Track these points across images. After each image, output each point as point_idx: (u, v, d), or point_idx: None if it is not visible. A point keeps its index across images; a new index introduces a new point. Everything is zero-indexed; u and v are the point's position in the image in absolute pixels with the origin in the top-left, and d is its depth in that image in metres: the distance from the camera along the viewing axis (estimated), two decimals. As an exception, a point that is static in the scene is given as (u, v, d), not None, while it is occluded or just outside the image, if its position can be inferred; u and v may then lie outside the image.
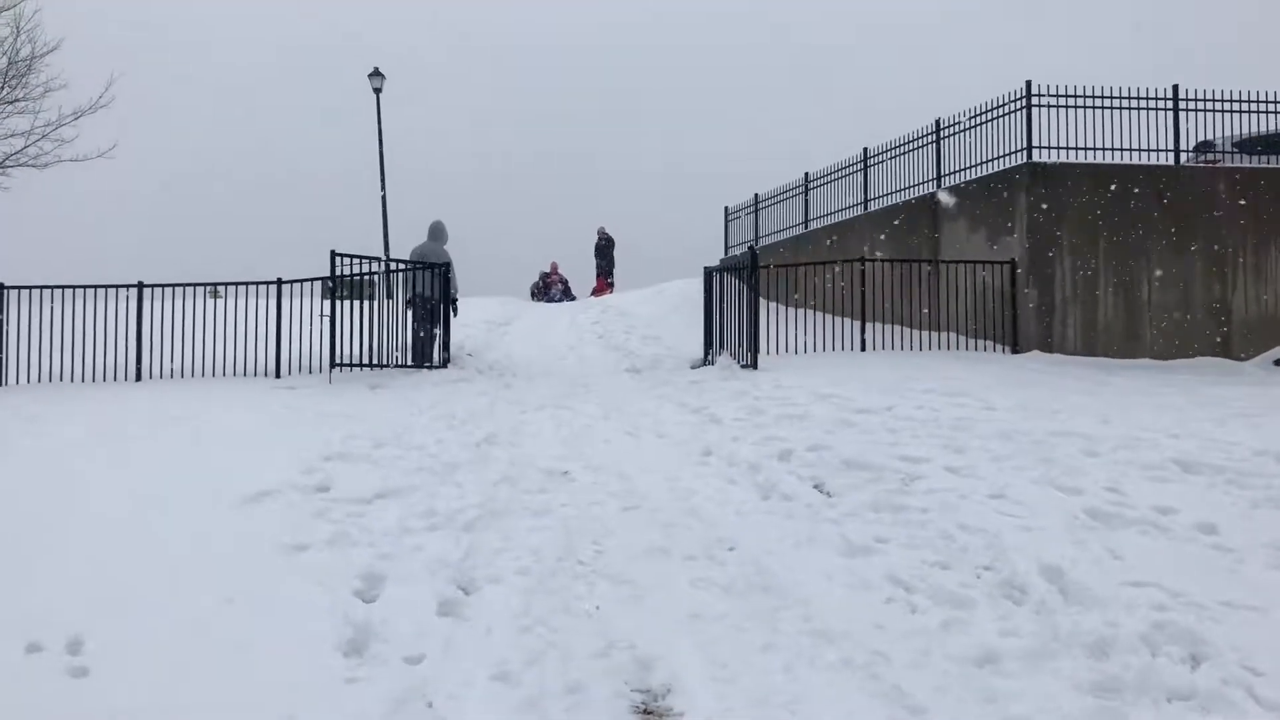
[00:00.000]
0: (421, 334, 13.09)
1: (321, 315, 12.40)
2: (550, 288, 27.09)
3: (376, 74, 25.53)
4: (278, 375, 12.33)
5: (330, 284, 12.36)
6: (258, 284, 13.09)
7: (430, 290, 13.18)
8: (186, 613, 4.66)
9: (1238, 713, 3.57)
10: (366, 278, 12.89)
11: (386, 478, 7.09)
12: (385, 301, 12.73)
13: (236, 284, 13.32)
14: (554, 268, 27.72)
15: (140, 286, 12.90)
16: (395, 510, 6.35)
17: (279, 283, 12.92)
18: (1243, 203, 13.46)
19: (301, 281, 13.04)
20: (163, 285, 13.05)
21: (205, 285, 13.66)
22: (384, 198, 25.04)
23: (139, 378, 12.47)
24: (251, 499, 6.46)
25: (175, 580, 5.06)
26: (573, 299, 26.19)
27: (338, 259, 12.32)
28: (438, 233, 14.00)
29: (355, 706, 3.85)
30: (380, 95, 25.53)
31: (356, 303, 12.42)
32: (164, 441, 8.27)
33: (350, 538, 5.79)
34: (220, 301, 13.57)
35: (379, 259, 13.49)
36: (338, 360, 12.05)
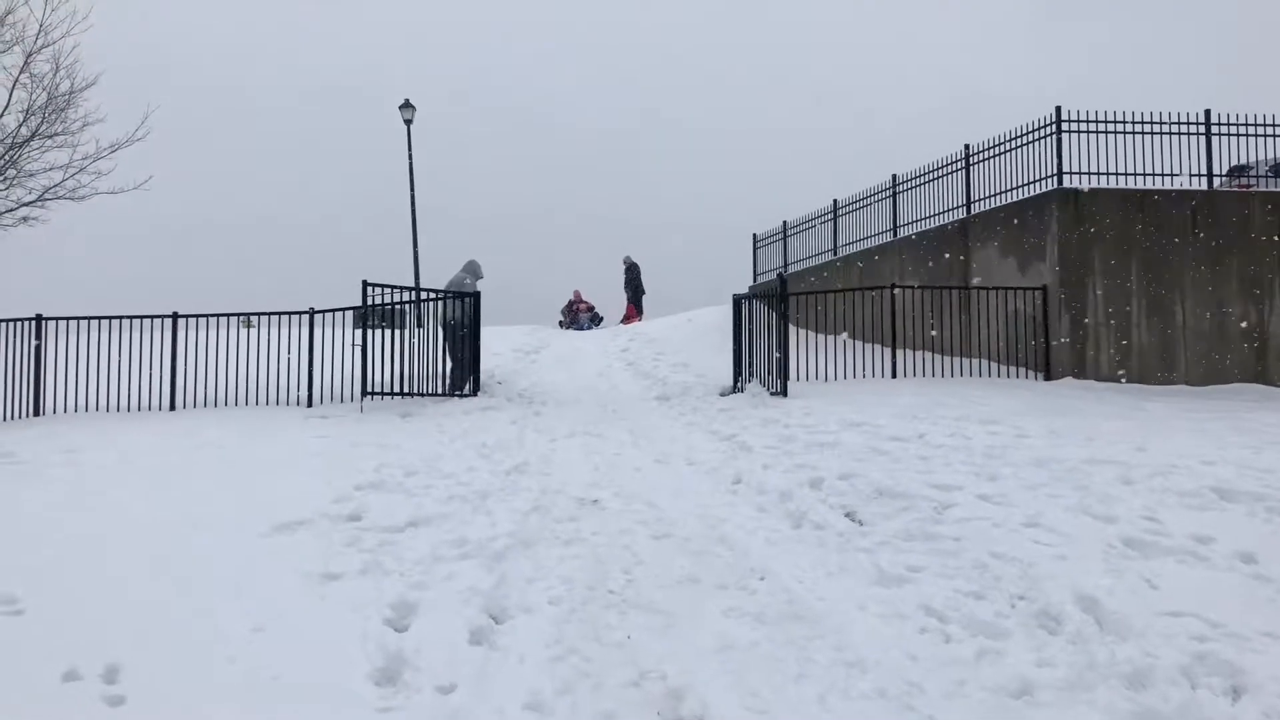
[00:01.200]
0: (452, 360, 13.27)
1: (354, 344, 12.51)
2: (578, 315, 26.93)
3: (407, 105, 25.80)
4: (310, 404, 12.43)
5: (362, 313, 12.47)
6: (290, 314, 13.22)
7: (460, 317, 13.37)
8: (220, 641, 4.69)
9: (1281, 746, 3.51)
10: (398, 307, 13.01)
11: (418, 506, 7.12)
12: (417, 330, 12.83)
13: (269, 314, 13.46)
14: (577, 295, 27.60)
15: (175, 317, 13.07)
16: (427, 539, 6.37)
17: (311, 312, 13.05)
18: (1278, 226, 13.32)
19: (334, 311, 13.17)
20: (197, 315, 13.21)
21: (239, 315, 13.81)
22: (414, 227, 25.25)
23: (173, 407, 12.61)
24: (284, 528, 6.50)
25: (209, 609, 5.10)
26: (600, 322, 26.36)
27: (369, 289, 12.44)
28: (472, 269, 14.27)
29: (388, 736, 3.85)
30: (411, 126, 25.80)
31: (388, 332, 12.52)
32: (198, 471, 8.35)
33: (382, 566, 5.81)
34: (253, 331, 13.72)
35: (410, 288, 13.60)
36: (369, 389, 12.13)
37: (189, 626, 4.88)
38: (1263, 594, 4.93)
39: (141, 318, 13.12)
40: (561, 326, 26.68)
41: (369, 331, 12.27)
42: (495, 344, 16.73)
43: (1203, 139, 13.54)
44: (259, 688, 4.25)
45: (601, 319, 26.48)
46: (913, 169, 16.67)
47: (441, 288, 13.69)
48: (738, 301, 13.73)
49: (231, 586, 5.44)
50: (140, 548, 6.12)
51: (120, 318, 13.10)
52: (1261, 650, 4.23)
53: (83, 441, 9.73)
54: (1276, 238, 13.32)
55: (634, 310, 26.93)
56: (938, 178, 15.96)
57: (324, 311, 13.09)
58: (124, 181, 18.24)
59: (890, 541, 6.02)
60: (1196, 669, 4.12)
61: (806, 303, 15.65)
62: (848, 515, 6.71)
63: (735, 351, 13.44)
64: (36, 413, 12.55)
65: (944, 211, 15.77)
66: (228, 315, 13.49)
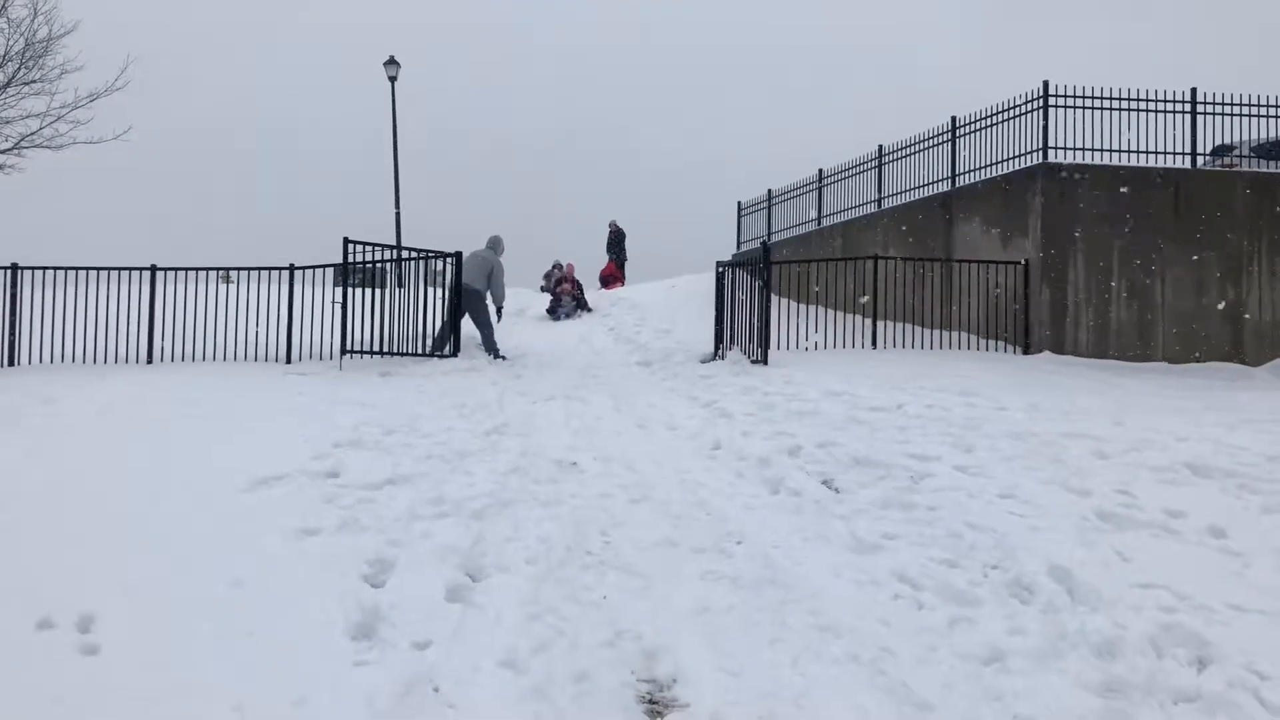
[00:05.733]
0: (450, 320, 13.50)
1: (334, 302, 12.44)
2: (559, 297, 19.90)
3: (391, 62, 25.50)
4: (289, 361, 12.38)
5: (343, 271, 12.40)
6: (270, 269, 13.13)
7: (476, 283, 13.70)
8: (197, 594, 4.68)
9: (1243, 716, 3.57)
10: (379, 265, 12.95)
11: (397, 465, 7.11)
12: (397, 289, 12.78)
13: (249, 269, 13.36)
14: (569, 270, 21.11)
15: (153, 270, 12.96)
16: (405, 497, 6.36)
17: (291, 269, 12.97)
18: (1258, 208, 13.40)
19: (314, 268, 13.09)
20: (176, 269, 13.10)
21: (218, 270, 13.70)
22: (397, 185, 25.06)
23: (150, 360, 12.53)
24: (262, 483, 6.48)
25: (185, 562, 5.09)
26: (588, 309, 19.92)
27: (350, 245, 12.35)
28: (494, 243, 14.50)
29: (364, 689, 3.86)
30: (395, 84, 25.52)
31: (369, 290, 12.46)
32: (176, 425, 8.31)
33: (360, 523, 5.80)
34: (232, 286, 13.62)
35: (392, 246, 13.53)
36: (349, 347, 12.09)
37: (166, 579, 4.87)
38: (1231, 567, 5.00)
39: (119, 269, 13.00)
40: (543, 291, 22.93)
41: (349, 289, 12.20)
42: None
43: (1188, 118, 13.57)
44: (235, 640, 4.25)
45: (590, 309, 19.90)
46: (899, 140, 16.66)
47: (423, 248, 13.63)
48: (721, 269, 13.71)
49: (209, 540, 5.43)
50: (117, 500, 6.10)
51: (98, 269, 12.98)
52: (1227, 622, 4.30)
53: (59, 392, 9.66)
54: (1257, 219, 13.40)
55: (615, 271, 26.76)
56: (923, 150, 15.94)
57: (304, 268, 13.02)
58: (104, 131, 18.04)
59: (866, 509, 6.06)
60: (1164, 639, 4.18)
61: (789, 272, 15.66)
62: (825, 483, 6.75)
63: (717, 319, 13.44)
64: (11, 362, 12.45)
65: (929, 184, 15.77)
66: (207, 270, 13.38)
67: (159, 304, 12.79)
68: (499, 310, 14.49)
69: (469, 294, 13.60)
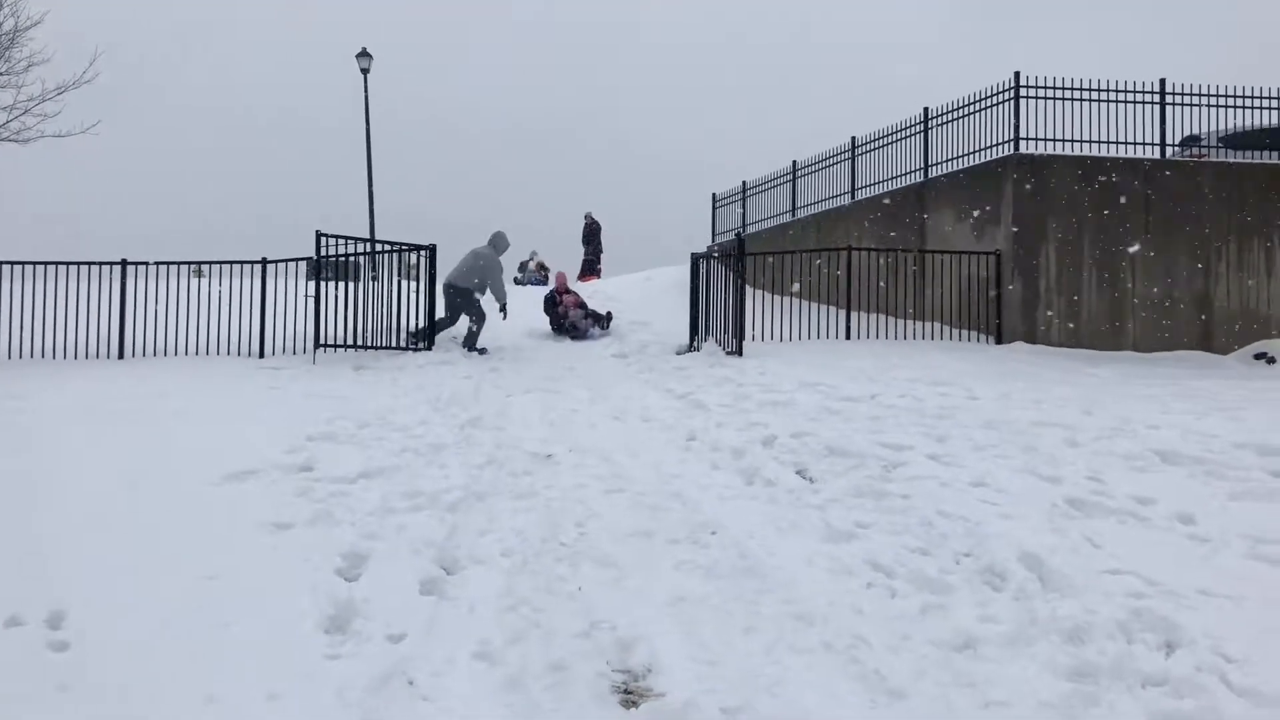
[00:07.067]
0: (444, 317, 13.51)
1: (306, 296, 12.37)
2: (566, 310, 15.45)
3: (364, 54, 25.36)
4: (262, 355, 12.30)
5: (315, 264, 12.32)
6: (242, 263, 13.03)
7: (463, 281, 13.52)
8: (168, 589, 4.66)
9: (1210, 698, 3.61)
10: (352, 259, 12.88)
11: (370, 458, 7.09)
12: (370, 283, 12.71)
13: (221, 263, 13.25)
14: (561, 280, 16.37)
15: (124, 264, 12.84)
16: (379, 490, 6.35)
17: (264, 262, 12.88)
18: (1227, 198, 13.53)
19: (286, 261, 13.01)
20: (146, 263, 12.97)
21: (190, 264, 13.59)
22: (370, 178, 24.93)
23: (121, 355, 12.42)
24: (234, 477, 6.45)
25: (157, 556, 5.05)
26: (605, 327, 15.29)
27: (323, 239, 12.28)
28: (496, 240, 14.24)
29: (337, 683, 3.85)
30: (368, 76, 25.37)
31: (342, 284, 12.39)
32: (147, 419, 8.24)
33: (333, 517, 5.79)
34: (204, 280, 13.51)
35: (365, 239, 13.46)
36: (322, 341, 12.02)
37: (137, 573, 4.84)
38: (1199, 553, 5.05)
39: (89, 264, 12.87)
40: (518, 283, 20.79)
41: (323, 283, 12.14)
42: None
43: (1157, 108, 13.68)
44: (207, 634, 4.23)
45: (605, 326, 15.36)
46: (872, 131, 16.70)
47: (396, 240, 13.56)
48: (696, 261, 13.73)
49: (181, 535, 5.40)
50: (89, 494, 6.05)
51: (68, 263, 12.84)
52: (1195, 607, 4.35)
53: (30, 387, 9.57)
54: (1224, 209, 13.54)
55: (590, 268, 26.72)
56: (896, 141, 15.99)
57: (276, 261, 12.93)
58: (72, 125, 17.85)
59: (840, 499, 6.09)
60: (1133, 625, 4.22)
61: (764, 263, 15.68)
62: (799, 473, 6.77)
63: (692, 311, 13.46)
64: (-20, 358, 12.31)
65: (902, 175, 15.82)
66: (179, 263, 13.26)
67: (130, 298, 12.68)
68: (503, 309, 13.94)
69: (457, 291, 13.49)
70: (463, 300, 13.50)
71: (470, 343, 13.30)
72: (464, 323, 13.59)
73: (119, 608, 4.46)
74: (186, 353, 12.39)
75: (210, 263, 13.66)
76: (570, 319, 15.20)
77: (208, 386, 9.80)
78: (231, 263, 13.08)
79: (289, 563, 5.07)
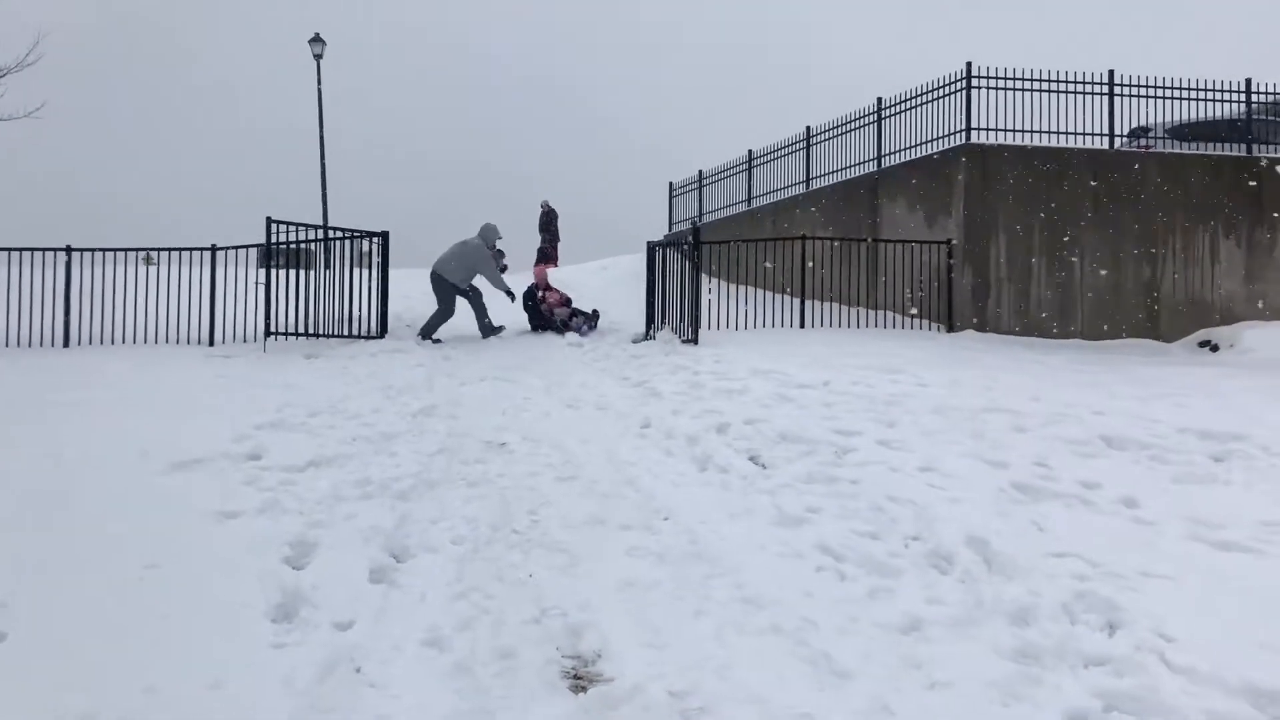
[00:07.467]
0: (439, 310, 13.66)
1: (257, 283, 12.22)
2: (547, 308, 14.64)
3: (317, 40, 25.04)
4: (211, 343, 12.14)
5: (266, 251, 12.17)
6: (192, 250, 12.84)
7: (448, 274, 13.62)
8: (111, 578, 4.58)
9: (1149, 677, 3.67)
10: (305, 246, 12.73)
11: (321, 446, 7.02)
12: (324, 270, 12.58)
13: (170, 250, 13.05)
14: (540, 275, 15.30)
15: (69, 250, 12.60)
16: (329, 478, 6.29)
17: (213, 249, 12.70)
18: (1173, 188, 13.75)
19: (237, 248, 12.83)
20: (93, 250, 12.75)
21: (138, 251, 13.37)
22: (323, 165, 24.64)
23: (67, 344, 12.19)
24: (181, 466, 6.36)
25: (99, 546, 4.97)
26: (593, 327, 14.34)
27: (274, 226, 12.13)
28: (484, 232, 14.28)
29: (283, 671, 3.81)
30: (321, 62, 25.06)
31: (293, 271, 12.25)
32: (92, 407, 8.10)
33: (281, 505, 5.72)
34: (153, 268, 13.31)
35: (318, 226, 13.31)
36: (273, 329, 11.88)
37: (78, 563, 4.76)
38: (1141, 536, 5.14)
39: (34, 250, 12.62)
40: (531, 322, 14.88)
41: (274, 270, 11.99)
42: (406, 286, 16.48)
43: (1106, 99, 13.86)
44: (150, 624, 4.16)
45: (594, 323, 14.45)
46: (827, 121, 16.78)
47: (347, 227, 13.42)
48: (652, 249, 13.71)
49: (124, 524, 5.31)
50: (31, 484, 5.93)
51: (10, 249, 12.59)
52: (1136, 588, 4.42)
53: (-32, 377, 9.36)
54: (1171, 199, 13.75)
55: (548, 257, 26.64)
56: (850, 131, 16.08)
57: (226, 249, 12.76)
58: (13, 108, 17.48)
59: (791, 484, 6.12)
60: (1076, 606, 4.28)
61: (720, 252, 15.71)
62: (752, 459, 6.80)
63: (648, 299, 13.45)
64: (-81, 347, 12.03)
65: (856, 165, 15.92)
66: (126, 250, 13.04)
67: (75, 285, 12.45)
68: (510, 295, 14.20)
69: (437, 281, 13.65)
70: (443, 290, 13.65)
71: (486, 331, 13.74)
72: (465, 311, 13.90)
73: (60, 597, 4.37)
74: (134, 341, 12.19)
75: (159, 249, 13.47)
76: (557, 318, 14.38)
77: (155, 375, 9.65)
78: (181, 249, 12.89)
79: (235, 552, 5.00)
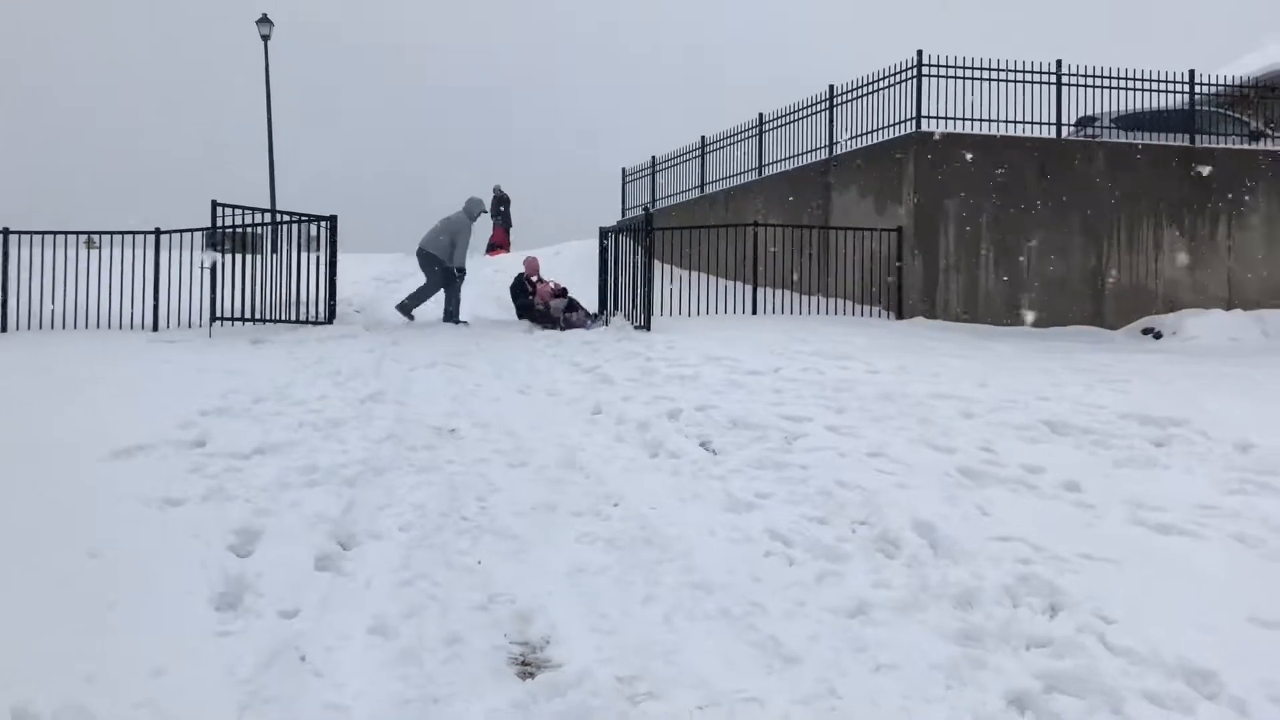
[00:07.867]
0: (424, 285, 13.91)
1: (202, 267, 12.02)
2: (541, 302, 13.59)
3: (265, 20, 24.65)
4: (155, 328, 11.93)
5: (211, 235, 11.98)
6: (135, 233, 12.60)
7: (434, 247, 13.76)
8: (49, 567, 4.48)
9: (1089, 658, 3.73)
10: (251, 229, 12.55)
11: (266, 433, 6.92)
12: (270, 254, 12.40)
13: (113, 233, 12.79)
14: (531, 266, 14.40)
15: (5, 233, 12.31)
16: (274, 466, 6.20)
17: (157, 233, 12.48)
18: (1119, 177, 13.97)
19: (181, 232, 12.61)
20: (31, 232, 12.46)
21: (80, 234, 13.09)
22: (271, 147, 24.29)
23: (4, 328, 11.93)
24: (123, 453, 6.23)
25: (37, 534, 4.86)
26: (601, 320, 13.13)
27: (219, 209, 11.94)
28: (469, 206, 14.25)
29: (226, 659, 3.75)
30: (269, 43, 24.67)
31: (239, 255, 12.08)
32: (30, 395, 7.93)
33: (226, 492, 5.64)
34: (96, 251, 13.04)
35: (264, 210, 13.12)
36: (218, 314, 11.71)
37: (18, 554, 4.65)
38: (1083, 519, 5.22)
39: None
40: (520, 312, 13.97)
41: (220, 255, 11.81)
42: (355, 271, 16.31)
43: (1053, 89, 14.03)
44: (90, 613, 4.08)
45: (588, 321, 13.18)
46: (780, 108, 16.82)
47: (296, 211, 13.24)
48: (604, 235, 13.69)
49: (64, 512, 5.20)
50: (-37, 472, 5.79)
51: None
52: (1078, 570, 4.49)
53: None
54: (1116, 188, 13.97)
55: (504, 238, 26.52)
56: (802, 118, 16.14)
57: (170, 232, 12.53)
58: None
59: (742, 470, 6.14)
60: (1019, 589, 4.34)
61: (672, 238, 15.72)
62: (703, 445, 6.82)
63: (601, 285, 13.44)
64: None
65: (808, 151, 15.99)
66: (67, 233, 12.76)
67: (13, 268, 12.17)
68: (460, 273, 14.04)
69: (422, 256, 13.81)
70: (427, 265, 13.80)
71: (449, 319, 13.75)
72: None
73: (-4, 588, 4.28)
74: (75, 326, 11.95)
75: (102, 233, 13.18)
76: (552, 312, 13.18)
77: (96, 361, 9.45)
78: (125, 233, 12.64)
79: (178, 539, 4.92)
